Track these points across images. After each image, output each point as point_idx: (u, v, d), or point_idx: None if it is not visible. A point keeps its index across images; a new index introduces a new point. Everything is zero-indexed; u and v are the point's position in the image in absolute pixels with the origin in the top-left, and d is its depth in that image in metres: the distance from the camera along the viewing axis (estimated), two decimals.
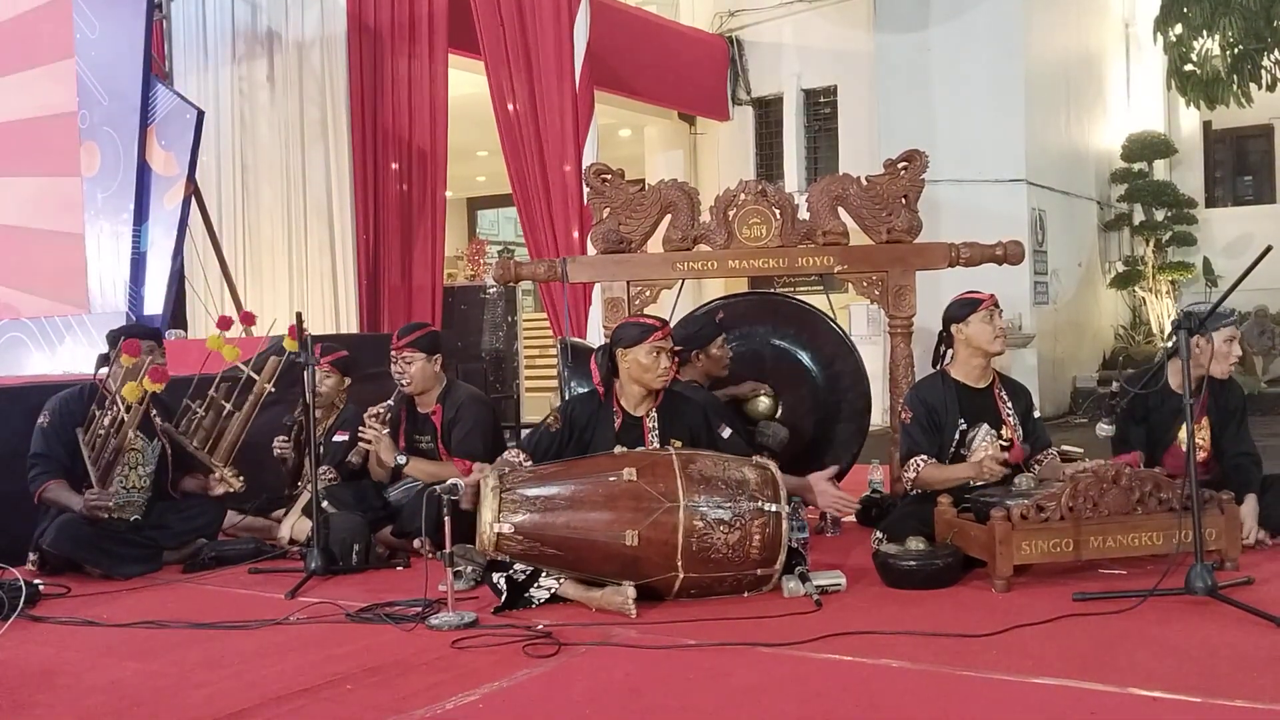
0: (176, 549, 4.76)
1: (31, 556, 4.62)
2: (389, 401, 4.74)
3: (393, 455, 4.65)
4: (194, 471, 4.97)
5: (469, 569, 4.01)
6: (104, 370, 4.76)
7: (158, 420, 4.86)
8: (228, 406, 5.01)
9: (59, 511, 4.57)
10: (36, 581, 4.13)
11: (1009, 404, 4.38)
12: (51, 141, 8.37)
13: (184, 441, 4.90)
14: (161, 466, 4.88)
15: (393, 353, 4.82)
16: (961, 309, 4.37)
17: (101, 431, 4.63)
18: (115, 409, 4.62)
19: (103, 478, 4.60)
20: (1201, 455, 4.38)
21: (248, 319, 5.35)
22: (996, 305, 4.37)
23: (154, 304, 7.81)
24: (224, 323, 5.19)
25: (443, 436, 4.82)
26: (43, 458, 4.65)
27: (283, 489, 5.37)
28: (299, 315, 4.83)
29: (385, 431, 4.66)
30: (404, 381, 4.80)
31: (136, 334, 4.84)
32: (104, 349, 4.83)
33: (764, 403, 5.32)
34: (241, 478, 4.86)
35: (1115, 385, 4.31)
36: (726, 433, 4.23)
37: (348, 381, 5.30)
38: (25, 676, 3.18)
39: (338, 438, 5.05)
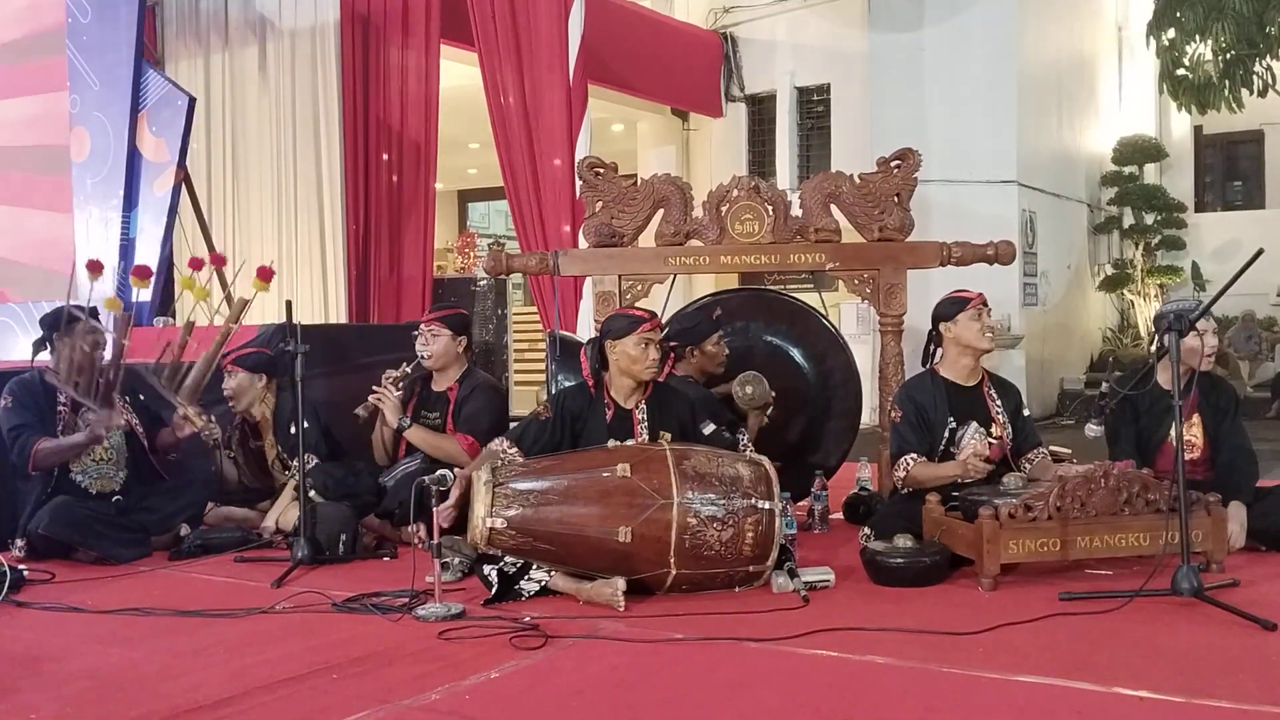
0: (163, 533, 4.75)
1: (19, 542, 4.60)
2: (407, 368, 4.77)
3: (397, 417, 4.73)
4: (165, 427, 4.96)
5: (456, 560, 4.01)
6: (43, 355, 4.76)
7: (119, 400, 4.84)
8: (194, 345, 5.02)
9: (45, 495, 4.56)
10: (21, 567, 4.11)
11: (998, 402, 4.39)
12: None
13: (154, 380, 4.89)
14: (132, 443, 4.87)
15: (421, 325, 4.91)
16: (950, 307, 4.38)
17: (83, 364, 4.62)
18: (90, 338, 4.64)
19: (105, 400, 4.60)
20: (1196, 454, 4.40)
21: (218, 260, 5.35)
22: (985, 304, 4.38)
23: (142, 291, 7.77)
24: (195, 263, 5.21)
25: (454, 414, 4.84)
26: (22, 427, 4.62)
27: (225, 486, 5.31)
28: (288, 304, 4.83)
29: (397, 394, 4.70)
30: (425, 354, 4.84)
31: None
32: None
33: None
34: (206, 417, 4.82)
35: (1105, 386, 4.32)
36: (708, 429, 4.20)
37: (264, 380, 5.13)
38: (8, 662, 3.16)
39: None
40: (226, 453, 5.23)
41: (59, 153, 8.14)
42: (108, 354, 4.80)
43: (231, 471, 5.24)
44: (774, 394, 4.95)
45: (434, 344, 4.84)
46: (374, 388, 4.71)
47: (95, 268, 4.90)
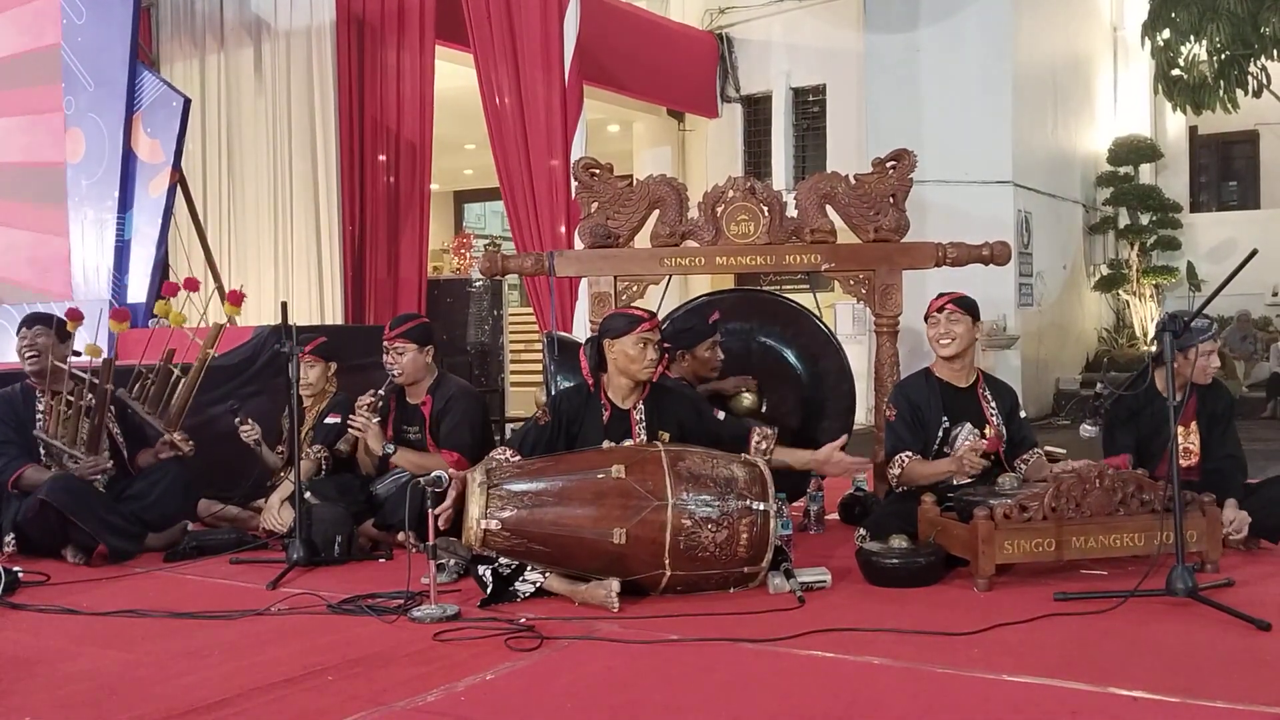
0: (159, 528, 4.75)
1: (8, 538, 4.61)
2: (379, 390, 4.75)
3: (380, 444, 4.66)
4: (145, 447, 4.99)
5: (452, 562, 4.00)
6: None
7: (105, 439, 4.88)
8: (175, 372, 5.02)
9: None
10: (16, 569, 4.10)
11: (993, 403, 4.39)
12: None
13: (136, 406, 4.89)
14: (114, 451, 4.88)
15: (385, 343, 4.83)
16: (926, 312, 4.40)
17: (68, 411, 4.69)
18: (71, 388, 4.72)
19: (93, 444, 4.65)
20: (1192, 460, 4.41)
21: (191, 284, 5.37)
22: (944, 308, 4.34)
23: (137, 292, 7.77)
24: (169, 289, 5.21)
25: (431, 428, 4.82)
26: (6, 444, 4.68)
27: (266, 479, 5.36)
28: (284, 305, 4.82)
29: (375, 420, 4.67)
30: (395, 372, 4.80)
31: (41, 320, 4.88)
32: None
33: (748, 399, 5.32)
34: (191, 442, 4.88)
35: (1100, 387, 4.32)
36: (721, 414, 4.25)
37: (334, 366, 5.32)
38: (3, 664, 3.15)
39: (330, 420, 5.05)
40: (279, 450, 5.33)
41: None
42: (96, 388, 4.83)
43: (275, 461, 5.32)
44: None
45: (401, 360, 4.79)
46: (350, 419, 4.68)
47: (75, 316, 4.92)
